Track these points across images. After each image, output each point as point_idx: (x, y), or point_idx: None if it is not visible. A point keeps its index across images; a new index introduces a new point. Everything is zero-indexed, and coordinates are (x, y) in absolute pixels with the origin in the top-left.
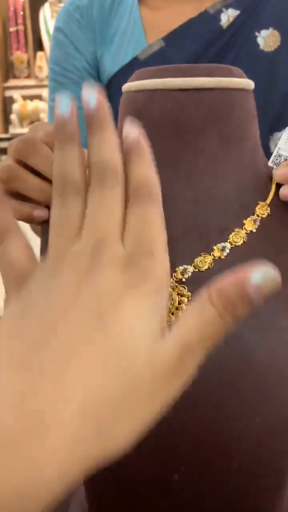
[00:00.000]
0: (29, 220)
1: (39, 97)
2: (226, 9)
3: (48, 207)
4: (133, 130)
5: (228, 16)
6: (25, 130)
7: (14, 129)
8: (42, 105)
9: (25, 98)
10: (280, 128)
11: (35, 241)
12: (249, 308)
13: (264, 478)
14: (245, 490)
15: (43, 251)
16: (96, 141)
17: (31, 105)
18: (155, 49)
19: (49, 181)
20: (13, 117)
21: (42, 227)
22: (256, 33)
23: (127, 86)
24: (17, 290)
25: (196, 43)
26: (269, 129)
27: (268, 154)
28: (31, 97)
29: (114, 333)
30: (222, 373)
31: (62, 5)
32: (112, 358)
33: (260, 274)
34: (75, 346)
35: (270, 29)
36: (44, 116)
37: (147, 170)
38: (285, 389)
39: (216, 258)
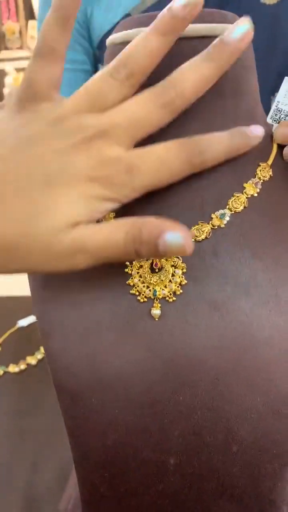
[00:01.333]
0: None
1: None
2: None
3: None
4: None
5: None
6: None
7: None
8: None
9: (18, 70)
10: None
11: None
12: (151, 256)
13: (266, 462)
14: (245, 476)
15: None
16: (187, 65)
17: None
18: (149, 4)
19: None
20: (6, 90)
21: None
22: None
23: (112, 39)
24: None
25: None
26: (271, 89)
27: None
28: (24, 69)
29: (44, 201)
30: (222, 350)
31: None
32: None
33: (173, 237)
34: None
35: None
36: None
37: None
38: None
39: (215, 227)
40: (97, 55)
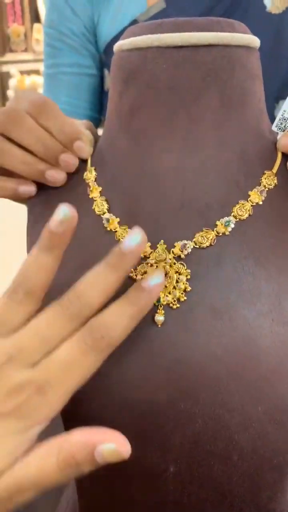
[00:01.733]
0: (14, 197)
1: (36, 72)
2: None
3: (35, 182)
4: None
5: None
6: None
7: None
8: (40, 80)
9: (22, 73)
10: (285, 96)
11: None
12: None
13: (266, 472)
14: (245, 485)
15: (30, 228)
16: (90, 275)
17: (28, 80)
18: (155, 11)
19: (34, 154)
20: (10, 93)
21: (28, 203)
22: None
23: (119, 45)
24: None
25: (200, 4)
26: (275, 97)
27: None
28: (29, 72)
29: None
30: (224, 358)
31: None
32: None
33: (107, 448)
34: None
35: None
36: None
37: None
38: None
39: (220, 234)
40: (103, 59)
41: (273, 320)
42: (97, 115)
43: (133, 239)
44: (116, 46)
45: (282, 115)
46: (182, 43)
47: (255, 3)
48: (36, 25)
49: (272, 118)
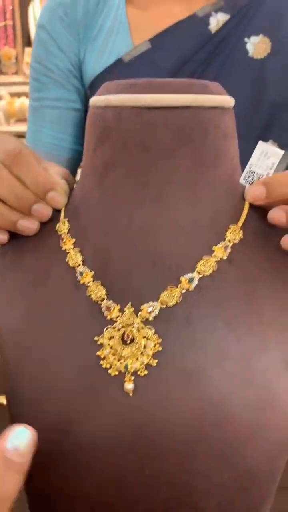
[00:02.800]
0: None
1: (26, 94)
2: (216, 13)
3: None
4: None
5: (217, 20)
6: (11, 128)
7: (0, 127)
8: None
9: (12, 95)
10: (267, 138)
11: None
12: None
13: None
14: None
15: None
16: None
17: (18, 102)
18: (141, 51)
19: (7, 204)
20: (0, 114)
21: (1, 249)
22: (246, 39)
23: (94, 101)
24: None
25: (184, 47)
26: (257, 140)
27: None
28: (19, 94)
29: None
30: (192, 423)
31: None
32: None
33: None
34: None
35: (260, 36)
36: None
37: None
38: (257, 443)
39: (184, 291)
40: (88, 94)
41: (242, 384)
42: (81, 148)
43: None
44: (92, 102)
45: (249, 168)
46: (156, 105)
47: (238, 48)
48: (27, 49)
49: None
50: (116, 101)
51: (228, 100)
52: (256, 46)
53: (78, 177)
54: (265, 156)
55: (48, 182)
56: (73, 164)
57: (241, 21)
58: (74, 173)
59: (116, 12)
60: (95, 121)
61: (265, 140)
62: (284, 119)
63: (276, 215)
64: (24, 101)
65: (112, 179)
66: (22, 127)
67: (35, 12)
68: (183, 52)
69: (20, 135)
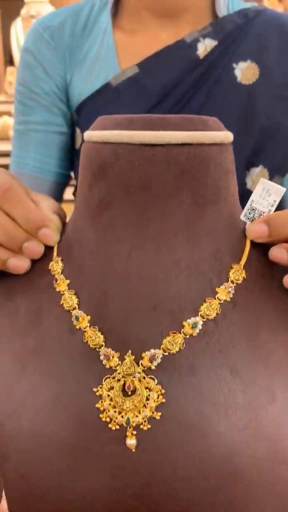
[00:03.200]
0: None
1: (8, 113)
2: (203, 38)
3: None
4: None
5: (205, 46)
6: None
7: None
8: (11, 121)
9: None
10: (257, 163)
11: None
12: None
13: None
14: None
15: None
16: None
17: (0, 121)
18: (128, 75)
19: None
20: None
21: None
22: (234, 65)
23: (89, 135)
24: None
25: (172, 72)
26: (246, 165)
27: (244, 190)
28: (1, 114)
29: None
30: (197, 480)
31: (34, 20)
32: None
33: None
34: None
35: (248, 62)
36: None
37: None
38: (266, 499)
39: (188, 336)
40: (74, 118)
41: (250, 437)
42: (66, 172)
43: None
44: (87, 136)
45: (250, 205)
46: (155, 142)
47: (226, 74)
48: (9, 68)
49: (242, 184)
50: (113, 138)
51: (227, 136)
52: (244, 71)
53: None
54: (267, 193)
55: (40, 218)
56: (58, 187)
57: (228, 47)
58: (59, 197)
59: (103, 36)
60: (90, 157)
61: (255, 165)
62: (273, 144)
63: (278, 254)
64: (6, 120)
65: (108, 218)
66: (4, 146)
67: (17, 32)
68: (171, 77)
69: (2, 154)
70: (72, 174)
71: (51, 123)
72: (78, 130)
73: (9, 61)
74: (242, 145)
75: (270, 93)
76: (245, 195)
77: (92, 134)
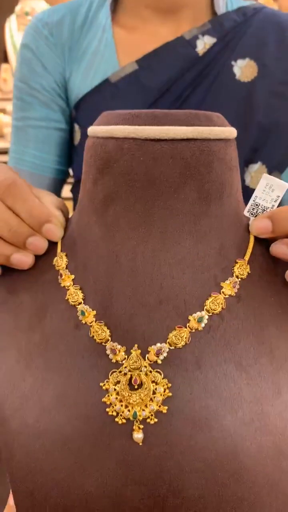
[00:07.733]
0: None
1: (3, 111)
2: (203, 36)
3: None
4: None
5: (204, 43)
6: None
7: None
8: (6, 119)
9: None
10: (255, 160)
11: None
12: None
13: None
14: None
15: None
16: None
17: None
18: (127, 72)
19: (1, 238)
20: None
21: None
22: (233, 62)
23: (93, 131)
24: None
25: (171, 68)
26: (244, 161)
27: (243, 186)
28: None
29: None
30: (204, 474)
31: (29, 18)
32: None
33: None
34: None
35: (247, 59)
36: (7, 132)
37: None
38: (273, 493)
39: (193, 330)
40: (73, 114)
41: (256, 431)
42: (65, 168)
43: None
44: (91, 132)
45: (254, 200)
46: (160, 137)
47: (225, 71)
48: (4, 65)
49: (241, 181)
50: (119, 133)
51: (231, 132)
52: (243, 69)
53: (62, 194)
54: (270, 188)
55: (44, 214)
56: (57, 184)
57: (227, 44)
58: (58, 193)
59: (102, 32)
60: (95, 152)
61: (253, 161)
62: (271, 141)
63: (278, 250)
64: (1, 118)
65: (113, 213)
66: None
67: (11, 29)
68: (170, 74)
69: None
70: (71, 170)
71: (50, 119)
72: (76, 127)
73: (4, 58)
74: (240, 141)
75: (268, 91)
76: (244, 191)
77: (96, 129)
